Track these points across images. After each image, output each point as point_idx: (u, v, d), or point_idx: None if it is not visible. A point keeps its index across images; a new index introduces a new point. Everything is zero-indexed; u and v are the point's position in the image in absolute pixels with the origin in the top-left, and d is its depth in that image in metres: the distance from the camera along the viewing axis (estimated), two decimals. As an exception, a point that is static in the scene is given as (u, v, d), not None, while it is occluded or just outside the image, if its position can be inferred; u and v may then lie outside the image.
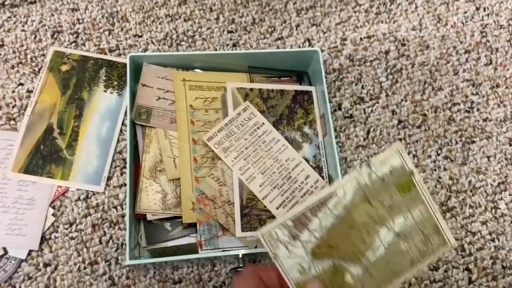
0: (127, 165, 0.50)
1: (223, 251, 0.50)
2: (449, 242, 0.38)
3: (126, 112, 0.59)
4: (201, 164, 0.53)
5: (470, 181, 0.60)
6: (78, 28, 0.64)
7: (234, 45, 0.65)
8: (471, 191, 0.60)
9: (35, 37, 0.63)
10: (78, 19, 0.65)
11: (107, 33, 0.64)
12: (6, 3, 0.64)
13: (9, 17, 0.64)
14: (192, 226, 0.52)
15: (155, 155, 0.54)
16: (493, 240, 0.57)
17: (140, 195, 0.52)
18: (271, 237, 0.35)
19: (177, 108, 0.55)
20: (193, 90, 0.57)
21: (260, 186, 0.52)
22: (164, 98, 0.56)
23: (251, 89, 0.57)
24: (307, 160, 0.55)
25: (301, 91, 0.59)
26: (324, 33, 0.67)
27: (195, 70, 0.59)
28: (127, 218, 0.49)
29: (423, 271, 0.55)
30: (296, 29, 0.67)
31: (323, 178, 0.55)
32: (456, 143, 0.62)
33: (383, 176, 0.37)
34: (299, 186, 0.53)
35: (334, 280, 0.36)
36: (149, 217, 0.52)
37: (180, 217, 0.51)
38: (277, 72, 0.61)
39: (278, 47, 0.65)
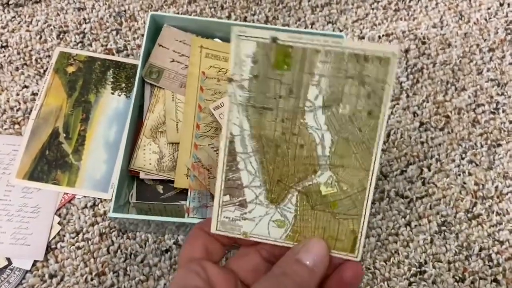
0: (128, 120, 0.49)
1: None
2: None
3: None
4: (203, 132, 0.52)
5: (496, 187, 0.57)
6: (85, 28, 0.62)
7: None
8: (498, 197, 0.56)
9: (40, 37, 0.61)
10: (84, 19, 0.62)
11: (114, 33, 0.62)
12: (10, 2, 0.62)
13: (14, 17, 0.62)
14: (184, 193, 0.50)
15: (159, 116, 0.53)
16: (522, 250, 0.54)
17: (137, 152, 0.51)
18: (225, 225, 0.31)
19: (189, 72, 0.54)
20: (209, 58, 0.55)
21: None
22: (178, 62, 0.55)
23: None
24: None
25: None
26: (341, 31, 0.64)
27: (214, 39, 0.57)
28: (118, 170, 0.48)
29: (447, 283, 0.52)
30: (311, 27, 0.64)
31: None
32: (481, 146, 0.59)
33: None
34: None
35: (315, 204, 0.30)
36: (142, 175, 0.51)
37: (173, 182, 0.50)
38: None
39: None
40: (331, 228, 0.30)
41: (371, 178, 0.29)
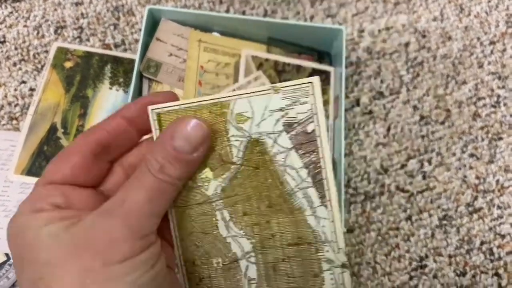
0: None
1: None
2: None
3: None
4: None
5: (497, 180, 0.56)
6: (82, 23, 0.61)
7: (245, 39, 0.62)
8: (499, 190, 0.56)
9: (38, 32, 0.61)
10: (82, 14, 0.62)
11: (112, 27, 0.61)
12: (7, -3, 0.62)
13: (11, 12, 0.61)
14: None
15: None
16: (524, 244, 0.53)
17: None
18: None
19: (188, 66, 0.54)
20: (207, 52, 0.55)
21: None
22: (176, 56, 0.54)
23: (267, 60, 0.54)
24: None
25: (319, 70, 0.56)
26: (340, 24, 0.63)
27: (213, 33, 0.57)
28: None
29: (448, 277, 0.51)
30: (311, 21, 0.64)
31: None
32: (482, 140, 0.58)
33: None
34: None
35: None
36: None
37: None
38: (297, 48, 0.58)
39: (291, 40, 0.62)
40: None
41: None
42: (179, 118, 0.26)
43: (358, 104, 0.59)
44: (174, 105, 0.27)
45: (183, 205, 0.28)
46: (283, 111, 0.26)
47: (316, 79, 0.26)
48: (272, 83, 0.51)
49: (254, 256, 0.27)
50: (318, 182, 0.26)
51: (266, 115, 0.26)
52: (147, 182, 0.24)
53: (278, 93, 0.26)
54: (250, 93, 0.26)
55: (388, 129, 0.58)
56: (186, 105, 0.27)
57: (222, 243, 0.27)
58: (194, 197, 0.27)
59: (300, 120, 0.26)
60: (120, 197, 0.24)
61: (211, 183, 0.27)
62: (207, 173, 0.27)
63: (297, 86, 0.26)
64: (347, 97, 0.59)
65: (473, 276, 0.52)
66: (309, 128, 0.26)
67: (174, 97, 0.28)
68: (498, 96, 0.61)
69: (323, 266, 0.27)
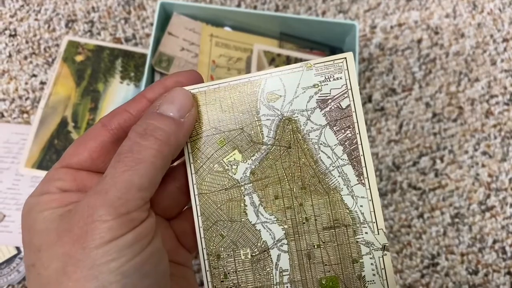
0: None
1: None
2: None
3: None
4: None
5: (510, 179, 0.56)
6: (93, 17, 0.61)
7: (256, 34, 0.61)
8: (511, 189, 0.55)
9: (49, 26, 0.60)
10: (93, 7, 0.62)
11: (123, 21, 0.61)
12: (18, -9, 0.61)
13: (22, 5, 0.61)
14: None
15: None
16: (537, 242, 0.53)
17: None
18: None
19: (200, 61, 0.53)
20: (219, 47, 0.55)
21: None
22: (188, 50, 0.54)
23: (279, 55, 0.54)
24: None
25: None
26: (352, 20, 0.63)
27: (225, 28, 0.57)
28: None
29: (460, 275, 0.51)
30: (322, 16, 0.63)
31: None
32: (495, 137, 0.58)
33: None
34: None
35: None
36: None
37: None
38: (309, 43, 0.57)
39: (303, 36, 0.62)
40: None
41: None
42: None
43: (370, 100, 0.59)
44: (203, 86, 0.26)
45: (208, 192, 0.26)
46: (316, 87, 0.26)
47: (349, 55, 0.25)
48: None
49: (286, 243, 0.26)
50: (354, 159, 0.25)
51: (298, 92, 0.26)
52: (126, 152, 0.22)
53: (311, 69, 0.26)
54: (282, 71, 0.26)
55: (400, 126, 0.58)
56: (215, 86, 0.26)
57: (251, 231, 0.26)
58: (221, 182, 0.26)
59: (334, 96, 0.26)
60: (102, 176, 0.22)
61: (239, 166, 0.26)
62: (235, 155, 0.26)
63: (330, 62, 0.25)
64: (359, 93, 0.59)
65: (485, 275, 0.51)
66: (344, 103, 0.26)
67: (198, 76, 0.27)
68: (511, 93, 0.60)
69: (362, 249, 0.25)
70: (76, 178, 0.24)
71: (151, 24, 0.61)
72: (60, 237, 0.21)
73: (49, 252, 0.21)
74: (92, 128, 0.25)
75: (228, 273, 0.26)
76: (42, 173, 0.52)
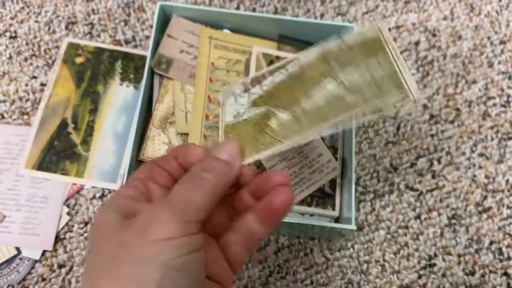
0: (137, 111, 0.50)
1: None
2: (411, 94, 0.36)
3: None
4: (212, 123, 0.52)
5: (507, 180, 0.56)
6: (93, 19, 0.62)
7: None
8: (508, 190, 0.56)
9: (49, 28, 0.61)
10: (93, 10, 0.62)
11: (123, 24, 0.62)
12: (19, -7, 0.62)
13: (22, 7, 0.62)
14: None
15: (168, 106, 0.53)
16: (533, 244, 0.53)
17: (146, 142, 0.51)
18: (227, 90, 0.37)
19: (199, 63, 0.54)
20: (218, 49, 0.55)
21: None
22: (187, 52, 0.55)
23: (277, 57, 0.54)
24: (322, 139, 0.53)
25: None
26: (350, 23, 0.63)
27: (224, 30, 0.57)
28: (127, 161, 0.48)
29: (457, 276, 0.51)
30: (321, 19, 0.64)
31: (336, 160, 0.52)
32: (492, 139, 0.58)
33: (352, 44, 0.36)
34: (310, 162, 0.51)
35: (259, 124, 0.35)
36: None
37: None
38: (308, 45, 0.58)
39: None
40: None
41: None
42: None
43: (367, 102, 0.59)
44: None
45: None
46: None
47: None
48: None
49: None
50: None
51: None
52: (194, 179, 0.28)
53: None
54: None
55: (398, 128, 0.58)
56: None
57: None
58: None
59: None
60: (172, 191, 0.28)
61: None
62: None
63: None
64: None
65: (482, 276, 0.52)
66: None
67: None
68: (508, 95, 0.60)
69: None
70: (146, 187, 0.30)
71: (151, 26, 0.61)
72: (121, 229, 0.26)
73: (107, 238, 0.26)
74: (164, 155, 0.33)
75: None
76: (42, 174, 0.53)
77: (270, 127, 0.34)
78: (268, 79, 0.37)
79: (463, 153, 0.57)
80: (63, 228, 0.51)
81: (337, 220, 0.51)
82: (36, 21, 0.61)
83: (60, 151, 0.54)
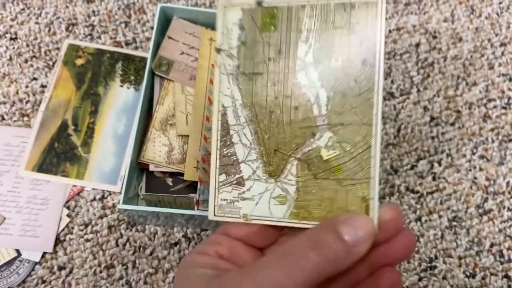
0: (138, 112, 0.50)
1: None
2: None
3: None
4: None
5: (508, 182, 0.56)
6: (94, 21, 0.62)
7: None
8: (509, 192, 0.56)
9: (49, 30, 0.61)
10: (93, 11, 0.62)
11: (123, 25, 0.62)
12: (19, -6, 0.62)
13: (23, 9, 0.62)
14: (193, 186, 0.51)
15: (169, 108, 0.53)
16: (534, 246, 0.53)
17: (147, 144, 0.51)
18: (223, 208, 0.29)
19: (199, 65, 0.54)
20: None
21: None
22: (188, 54, 0.54)
23: None
24: None
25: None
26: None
27: None
28: (128, 162, 0.48)
29: (458, 278, 0.51)
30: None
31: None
32: (493, 141, 0.58)
33: None
34: None
35: (317, 171, 0.27)
36: (152, 168, 0.51)
37: (183, 175, 0.50)
38: None
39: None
40: (339, 198, 0.27)
41: (376, 133, 0.26)
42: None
43: (368, 104, 0.59)
44: None
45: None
46: None
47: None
48: None
49: None
50: None
51: None
52: (293, 255, 0.23)
53: None
54: None
55: (399, 130, 0.58)
56: None
57: None
58: None
59: None
60: (261, 261, 0.24)
61: None
62: None
63: None
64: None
65: (483, 278, 0.52)
66: None
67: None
68: (509, 97, 0.60)
69: None
70: (231, 247, 0.27)
71: (151, 28, 0.61)
72: None
73: None
74: None
75: None
76: (42, 176, 0.53)
77: (328, 159, 0.28)
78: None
79: (464, 155, 0.57)
80: (63, 230, 0.51)
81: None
82: (37, 23, 0.61)
83: (61, 153, 0.54)
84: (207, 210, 0.46)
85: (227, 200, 0.28)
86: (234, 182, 0.28)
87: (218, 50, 0.29)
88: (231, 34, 0.28)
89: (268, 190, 0.28)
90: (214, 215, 0.29)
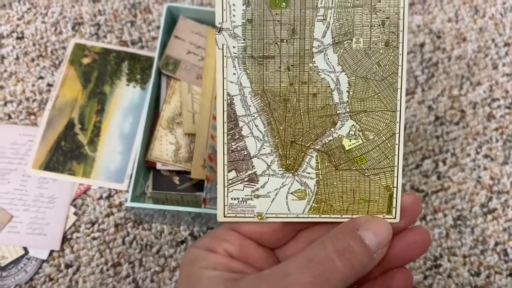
0: (145, 111, 0.50)
1: None
2: None
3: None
4: None
5: (512, 182, 0.56)
6: (100, 20, 0.62)
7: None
8: (513, 192, 0.56)
9: (56, 29, 0.61)
10: (99, 11, 0.62)
11: (129, 25, 0.62)
12: (25, -6, 0.62)
13: (29, 8, 0.62)
14: (200, 184, 0.51)
15: (176, 107, 0.53)
16: (538, 245, 0.54)
17: (154, 143, 0.51)
18: (234, 208, 0.26)
19: (206, 64, 0.54)
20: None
21: None
22: (194, 53, 0.55)
23: None
24: None
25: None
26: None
27: None
28: (135, 161, 0.48)
29: (463, 277, 0.52)
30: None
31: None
32: (497, 141, 0.58)
33: None
34: None
35: (339, 162, 0.26)
36: (159, 166, 0.51)
37: (190, 173, 0.50)
38: None
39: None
40: (361, 189, 0.26)
41: (400, 120, 0.25)
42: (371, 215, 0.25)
43: (373, 103, 0.59)
44: None
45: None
46: None
47: None
48: None
49: None
50: None
51: None
52: (319, 264, 0.22)
53: None
54: None
55: (403, 129, 0.58)
56: None
57: None
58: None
59: None
60: (283, 268, 0.23)
61: None
62: None
63: None
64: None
65: (488, 277, 0.52)
66: None
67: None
68: (513, 97, 0.61)
69: None
70: (242, 245, 0.25)
71: (157, 27, 0.62)
72: None
73: None
74: None
75: None
76: (49, 174, 0.53)
77: (350, 147, 0.26)
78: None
79: (468, 155, 0.57)
80: (70, 228, 0.51)
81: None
82: (43, 22, 0.61)
83: (67, 152, 0.54)
84: (214, 208, 0.47)
85: (238, 199, 0.26)
86: (246, 179, 0.26)
87: (219, 30, 0.25)
88: (233, 10, 0.25)
89: (285, 185, 0.26)
90: (224, 216, 0.26)
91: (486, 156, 0.57)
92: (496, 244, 0.53)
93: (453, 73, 0.62)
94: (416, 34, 0.64)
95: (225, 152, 0.26)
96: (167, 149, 0.51)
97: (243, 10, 0.25)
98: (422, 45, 0.63)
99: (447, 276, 0.52)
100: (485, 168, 0.57)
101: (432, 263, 0.52)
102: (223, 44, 0.25)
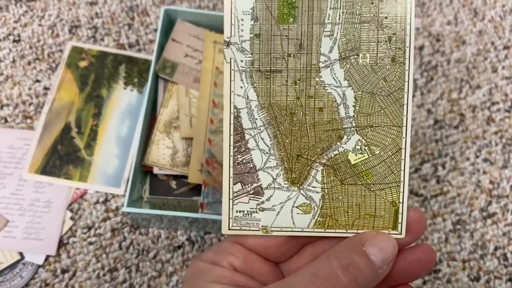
0: (142, 115, 0.50)
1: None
2: None
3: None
4: (217, 127, 0.51)
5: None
6: (97, 23, 0.61)
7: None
8: (513, 196, 0.56)
9: (53, 32, 0.61)
10: (96, 13, 0.62)
11: (126, 28, 0.61)
12: (22, -4, 0.62)
13: (26, 11, 0.62)
14: (197, 189, 0.50)
15: (173, 111, 0.53)
16: (538, 249, 0.53)
17: (151, 147, 0.51)
18: (239, 221, 0.27)
19: (203, 68, 0.54)
20: (223, 54, 0.55)
21: None
22: (192, 57, 0.54)
23: None
24: None
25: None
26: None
27: None
28: (132, 165, 0.48)
29: (462, 281, 0.51)
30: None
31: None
32: (496, 144, 0.58)
33: None
34: None
35: (344, 177, 0.26)
36: (156, 170, 0.51)
37: (187, 178, 0.50)
38: None
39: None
40: (367, 204, 0.26)
41: (406, 135, 0.25)
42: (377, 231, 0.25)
43: (372, 107, 0.59)
44: None
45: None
46: None
47: None
48: None
49: None
50: None
51: None
52: (324, 280, 0.22)
53: None
54: None
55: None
56: None
57: None
58: None
59: None
60: (288, 283, 0.23)
61: None
62: None
63: None
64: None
65: (487, 281, 0.51)
66: None
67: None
68: (512, 101, 0.60)
69: None
70: (247, 259, 0.25)
71: (155, 30, 0.61)
72: None
73: None
74: None
75: None
76: (45, 179, 0.52)
77: (356, 162, 0.27)
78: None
79: (468, 158, 0.57)
80: (66, 233, 0.51)
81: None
82: (40, 25, 0.61)
83: (64, 155, 0.54)
84: (212, 213, 0.47)
85: (243, 211, 0.26)
86: (251, 192, 0.26)
87: (227, 44, 0.25)
88: (242, 25, 0.25)
89: (290, 199, 0.26)
90: (229, 229, 0.26)
91: (485, 160, 0.57)
92: (496, 248, 0.53)
93: (452, 76, 0.61)
94: (415, 37, 0.63)
95: (231, 165, 0.26)
96: (164, 153, 0.50)
97: (251, 25, 0.25)
98: (421, 48, 0.63)
99: (446, 281, 0.51)
100: (484, 172, 0.57)
101: (431, 268, 0.52)
102: (231, 58, 0.26)
